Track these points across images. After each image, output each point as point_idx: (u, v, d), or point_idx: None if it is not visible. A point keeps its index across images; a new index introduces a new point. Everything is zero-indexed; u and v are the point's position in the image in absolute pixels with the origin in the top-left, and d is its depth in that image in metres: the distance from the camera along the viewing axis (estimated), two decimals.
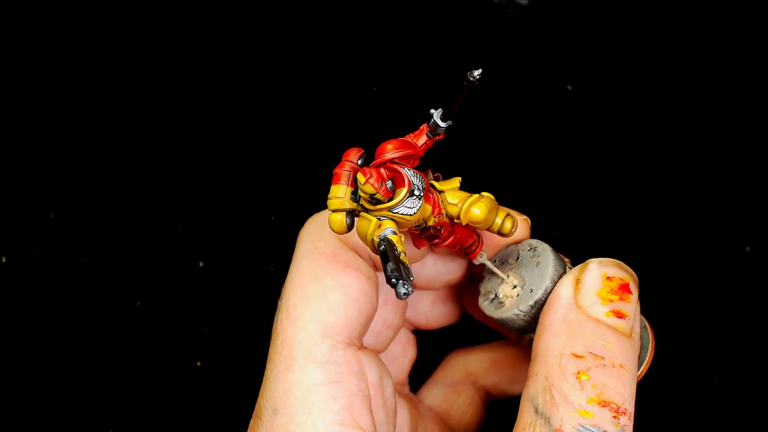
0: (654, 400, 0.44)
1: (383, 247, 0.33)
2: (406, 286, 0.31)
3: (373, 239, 0.35)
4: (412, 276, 0.32)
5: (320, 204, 0.44)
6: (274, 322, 0.40)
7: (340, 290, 0.40)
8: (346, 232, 0.35)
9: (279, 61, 0.63)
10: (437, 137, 0.36)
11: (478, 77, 0.33)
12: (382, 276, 0.44)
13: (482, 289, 0.43)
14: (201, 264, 0.60)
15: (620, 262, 0.39)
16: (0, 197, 0.63)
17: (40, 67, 0.65)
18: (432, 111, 0.36)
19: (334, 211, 0.35)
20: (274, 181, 0.61)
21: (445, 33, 0.61)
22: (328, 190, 0.36)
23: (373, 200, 0.35)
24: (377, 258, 0.40)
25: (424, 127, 0.36)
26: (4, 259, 0.62)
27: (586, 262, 0.39)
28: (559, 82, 0.57)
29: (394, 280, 0.31)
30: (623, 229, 0.54)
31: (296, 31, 0.63)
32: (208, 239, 0.60)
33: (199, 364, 0.59)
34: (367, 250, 0.39)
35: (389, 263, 0.32)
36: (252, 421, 0.40)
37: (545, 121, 0.57)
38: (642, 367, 0.40)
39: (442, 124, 0.36)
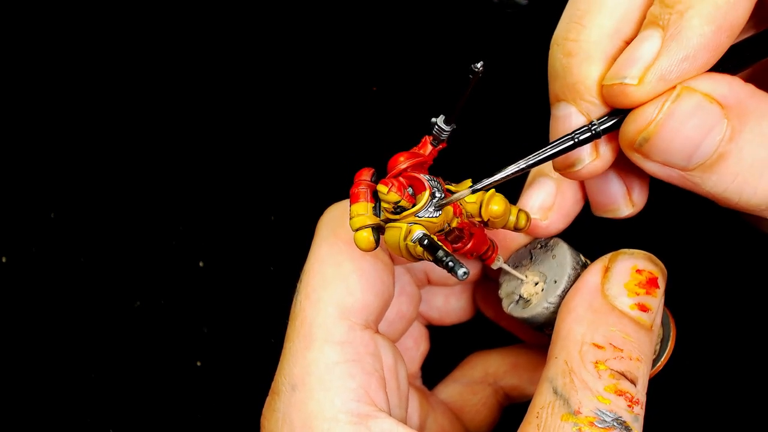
0: (662, 395, 0.44)
1: (426, 241, 0.34)
2: (464, 267, 0.32)
3: (407, 244, 0.35)
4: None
5: (320, 204, 0.44)
6: (293, 304, 0.41)
7: (358, 274, 0.40)
8: (374, 248, 0.36)
9: (279, 62, 0.63)
10: (441, 145, 0.36)
11: (481, 68, 0.33)
12: (398, 266, 0.44)
13: (502, 294, 0.44)
14: (201, 264, 0.60)
15: (651, 255, 0.40)
16: (0, 197, 0.63)
17: (40, 67, 0.65)
18: (433, 119, 0.36)
19: (358, 229, 0.35)
20: (274, 181, 0.61)
21: (445, 33, 0.61)
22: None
23: (397, 209, 0.35)
24: None
25: (426, 138, 0.36)
26: (4, 259, 0.62)
27: (618, 251, 0.40)
28: None
29: (450, 263, 0.32)
30: (635, 225, 0.54)
31: (297, 31, 0.63)
32: (208, 239, 0.60)
33: (199, 364, 0.59)
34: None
35: (439, 251, 0.33)
36: (269, 398, 0.40)
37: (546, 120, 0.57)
38: (663, 358, 0.41)
39: (447, 128, 0.36)
